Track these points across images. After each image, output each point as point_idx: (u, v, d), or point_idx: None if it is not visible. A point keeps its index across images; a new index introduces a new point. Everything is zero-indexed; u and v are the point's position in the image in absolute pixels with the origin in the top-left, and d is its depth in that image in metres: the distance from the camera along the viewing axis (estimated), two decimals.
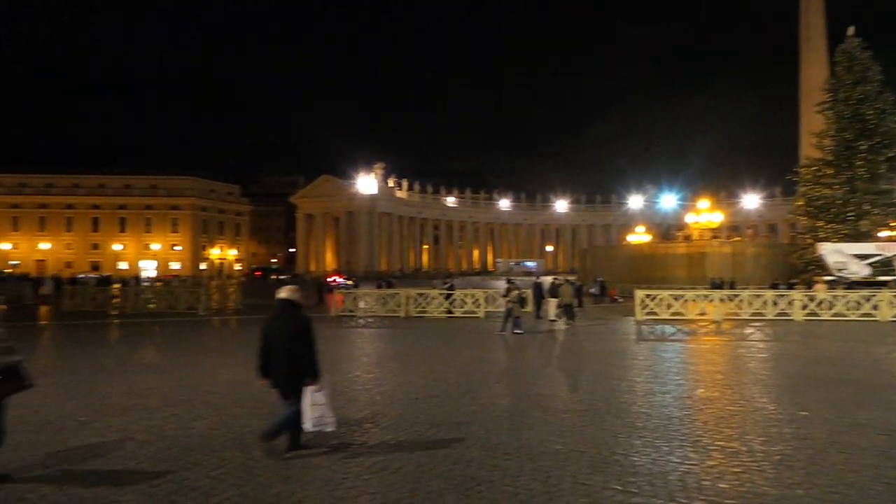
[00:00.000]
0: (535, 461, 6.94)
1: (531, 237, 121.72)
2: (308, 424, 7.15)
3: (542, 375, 13.18)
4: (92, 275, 67.38)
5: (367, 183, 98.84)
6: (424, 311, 27.51)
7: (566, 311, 23.18)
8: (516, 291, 20.73)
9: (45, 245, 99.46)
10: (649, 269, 43.96)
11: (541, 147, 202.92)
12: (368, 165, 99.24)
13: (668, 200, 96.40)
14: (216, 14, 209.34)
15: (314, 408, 7.08)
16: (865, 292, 25.75)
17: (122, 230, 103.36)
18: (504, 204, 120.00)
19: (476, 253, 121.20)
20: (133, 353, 16.96)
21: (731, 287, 30.36)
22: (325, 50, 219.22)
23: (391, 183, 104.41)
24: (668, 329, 21.81)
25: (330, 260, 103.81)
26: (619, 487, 6.08)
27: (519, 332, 19.79)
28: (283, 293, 7.55)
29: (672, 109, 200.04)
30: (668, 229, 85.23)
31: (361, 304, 29.21)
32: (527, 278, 42.77)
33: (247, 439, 7.82)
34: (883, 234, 38.62)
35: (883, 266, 32.42)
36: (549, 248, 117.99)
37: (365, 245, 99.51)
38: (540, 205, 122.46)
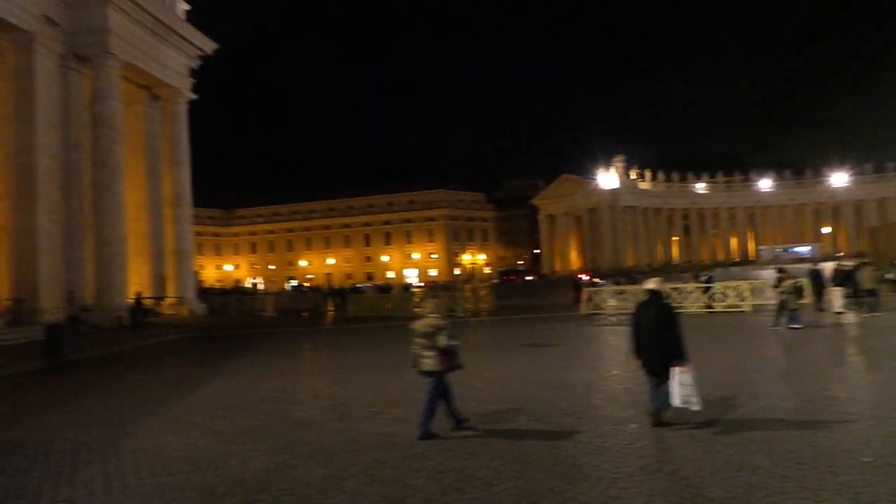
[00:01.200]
0: (839, 474, 6.08)
1: (800, 219, 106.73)
2: (676, 401, 7.82)
3: (832, 376, 11.51)
4: (367, 284, 76.90)
5: (607, 178, 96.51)
6: (680, 307, 25.85)
7: (868, 297, 19.87)
8: (790, 281, 18.40)
9: (330, 260, 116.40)
10: None
11: (809, 113, 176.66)
12: (608, 160, 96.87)
13: None
14: (456, 29, 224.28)
15: (682, 387, 7.79)
16: None
17: (388, 243, 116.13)
18: (764, 184, 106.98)
19: (734, 241, 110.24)
20: (407, 352, 18.89)
21: None
22: (555, 51, 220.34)
23: (633, 175, 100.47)
24: None
25: (574, 259, 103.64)
26: None
27: (797, 326, 17.53)
28: (650, 284, 8.76)
29: None
30: None
31: (612, 302, 28.59)
32: (798, 266, 37.70)
33: (517, 434, 8.19)
34: None
35: None
36: (826, 230, 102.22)
37: (609, 241, 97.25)
38: (810, 181, 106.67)
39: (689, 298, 26.02)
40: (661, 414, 8.09)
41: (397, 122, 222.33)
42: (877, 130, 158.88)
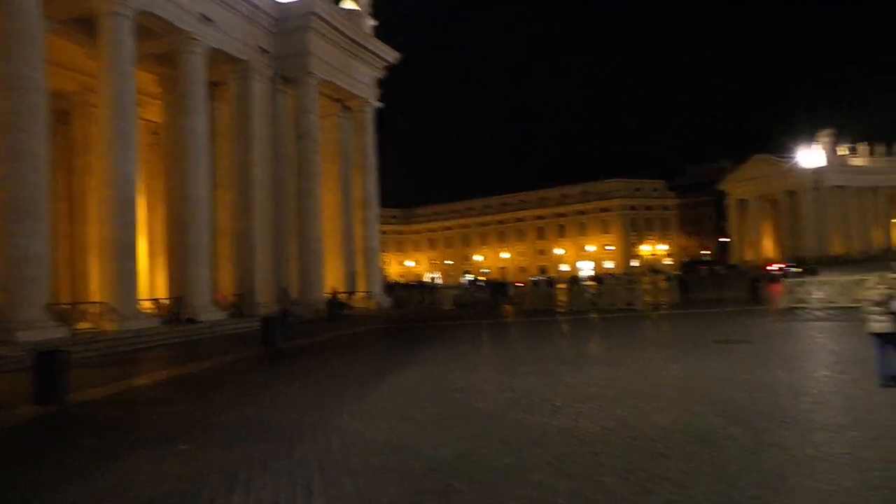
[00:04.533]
0: None
1: None
2: None
3: None
4: (542, 277, 76.78)
5: (810, 155, 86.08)
6: None
7: None
8: None
9: (504, 254, 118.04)
10: None
11: None
12: (810, 135, 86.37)
13: None
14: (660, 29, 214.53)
15: None
16: None
17: (562, 235, 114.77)
18: None
19: None
20: (585, 346, 18.66)
21: None
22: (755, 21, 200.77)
23: (843, 150, 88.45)
24: None
25: (768, 247, 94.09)
26: None
27: None
28: None
29: None
30: None
31: (818, 294, 25.58)
32: None
33: (711, 436, 7.75)
34: None
35: None
36: None
37: (812, 227, 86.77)
38: None
39: None
40: None
41: (575, 116, 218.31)
42: None
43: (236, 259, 33.35)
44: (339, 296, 36.41)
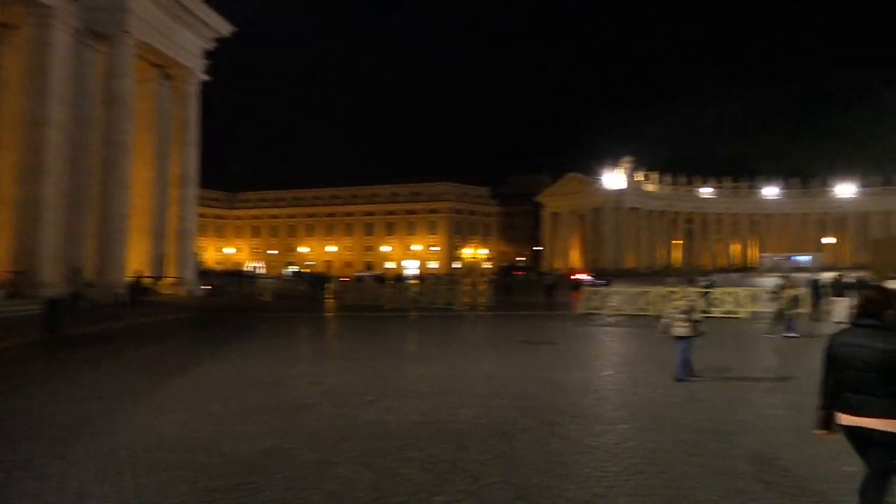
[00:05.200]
0: (825, 481, 6.18)
1: (804, 228, 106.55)
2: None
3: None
4: (367, 273, 77.05)
5: (614, 178, 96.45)
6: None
7: None
8: (792, 290, 18.45)
9: (331, 248, 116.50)
10: None
11: (819, 121, 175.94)
12: (615, 161, 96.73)
13: None
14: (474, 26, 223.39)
15: None
16: None
17: (390, 233, 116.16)
18: (770, 192, 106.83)
19: (736, 247, 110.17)
20: (403, 342, 19.04)
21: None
22: (571, 50, 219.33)
23: (639, 177, 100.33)
24: None
25: (575, 258, 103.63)
26: None
27: (792, 335, 17.60)
28: (892, 284, 11.24)
29: None
30: None
31: (610, 303, 28.65)
32: (798, 275, 37.74)
33: (509, 429, 8.29)
34: None
35: None
36: (829, 241, 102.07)
37: (611, 242, 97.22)
38: (816, 190, 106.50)
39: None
40: None
41: (407, 115, 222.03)
42: (885, 143, 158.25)
43: (18, 230, 29.03)
44: (144, 280, 33.31)
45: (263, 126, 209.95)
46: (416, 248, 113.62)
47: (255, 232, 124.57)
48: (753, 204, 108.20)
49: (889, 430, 4.22)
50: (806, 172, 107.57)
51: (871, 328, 4.42)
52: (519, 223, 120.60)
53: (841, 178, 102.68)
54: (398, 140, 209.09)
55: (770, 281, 23.56)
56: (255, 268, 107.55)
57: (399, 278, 58.00)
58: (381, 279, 50.45)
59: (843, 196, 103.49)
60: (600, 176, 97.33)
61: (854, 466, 6.59)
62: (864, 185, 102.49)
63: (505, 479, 6.33)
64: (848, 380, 4.40)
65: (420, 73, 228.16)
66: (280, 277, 66.58)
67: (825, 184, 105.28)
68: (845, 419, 4.45)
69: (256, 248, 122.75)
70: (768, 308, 20.52)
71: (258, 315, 28.64)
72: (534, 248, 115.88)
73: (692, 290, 14.70)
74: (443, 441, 7.73)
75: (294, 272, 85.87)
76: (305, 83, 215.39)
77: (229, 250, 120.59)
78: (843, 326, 14.91)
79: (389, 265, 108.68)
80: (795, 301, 18.91)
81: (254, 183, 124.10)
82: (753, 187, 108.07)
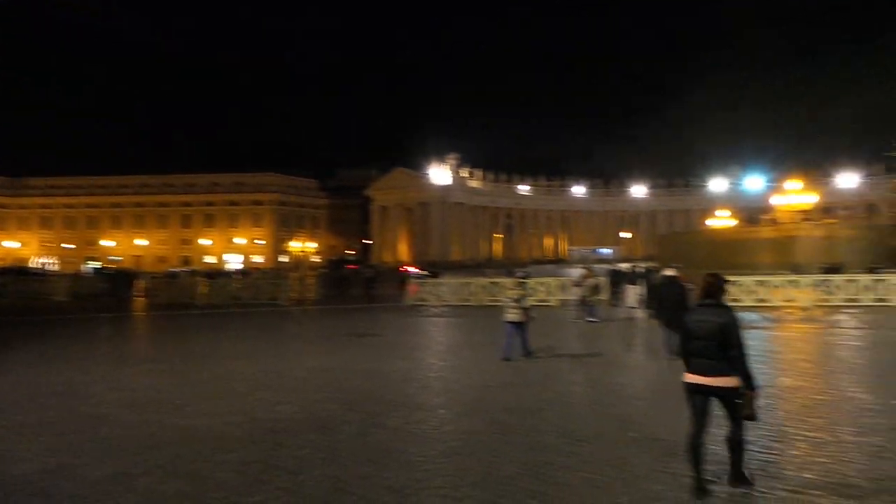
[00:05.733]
0: (611, 448, 6.92)
1: (607, 224, 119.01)
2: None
3: (618, 364, 13.00)
4: (184, 269, 71.61)
5: (440, 174, 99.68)
6: (497, 300, 27.55)
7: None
8: (592, 279, 20.43)
9: (141, 241, 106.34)
10: (733, 255, 41.99)
11: (619, 129, 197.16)
12: (441, 157, 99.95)
13: (754, 182, 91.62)
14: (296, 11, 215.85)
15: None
16: None
17: (210, 225, 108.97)
18: (578, 190, 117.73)
19: (549, 241, 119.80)
20: (221, 341, 17.98)
21: (835, 272, 28.46)
22: (396, 43, 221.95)
23: (465, 173, 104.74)
24: (752, 316, 20.86)
25: (404, 250, 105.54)
26: (689, 474, 5.97)
27: (593, 320, 19.54)
28: (669, 271, 13.31)
29: (760, 86, 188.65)
30: (753, 212, 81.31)
31: (437, 294, 29.59)
32: (601, 266, 41.98)
33: (329, 422, 8.20)
34: None
35: None
36: (626, 235, 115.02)
37: (437, 235, 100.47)
38: (616, 190, 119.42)
39: (505, 292, 27.75)
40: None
41: (231, 104, 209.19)
42: (669, 151, 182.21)
43: None
44: None
45: (57, 103, 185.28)
46: (240, 241, 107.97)
47: (46, 223, 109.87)
48: (564, 201, 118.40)
49: (726, 385, 5.35)
50: (608, 174, 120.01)
51: (711, 306, 5.53)
52: (348, 216, 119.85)
53: (635, 180, 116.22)
54: (218, 128, 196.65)
55: (575, 271, 25.93)
56: (44, 264, 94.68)
57: (219, 273, 54.73)
58: (200, 274, 47.18)
59: (637, 196, 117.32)
60: (427, 171, 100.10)
61: (636, 433, 7.52)
62: (653, 187, 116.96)
63: (324, 472, 6.26)
64: (696, 348, 5.46)
65: (247, 62, 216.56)
66: (78, 274, 59.28)
67: (623, 185, 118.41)
68: (692, 379, 5.51)
69: (48, 242, 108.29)
70: (573, 296, 22.53)
71: (50, 318, 25.30)
72: (363, 242, 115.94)
73: (522, 281, 15.81)
74: (260, 441, 7.43)
75: (95, 268, 76.99)
76: (105, 58, 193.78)
77: (12, 244, 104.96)
78: (635, 311, 16.93)
79: (210, 260, 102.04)
80: (596, 289, 21.02)
81: (45, 167, 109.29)
82: (564, 186, 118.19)
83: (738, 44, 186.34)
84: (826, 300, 23.83)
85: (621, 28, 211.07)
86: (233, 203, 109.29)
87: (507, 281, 17.97)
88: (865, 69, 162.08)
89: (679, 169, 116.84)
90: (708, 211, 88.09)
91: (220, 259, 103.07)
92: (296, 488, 5.84)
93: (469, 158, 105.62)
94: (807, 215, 49.71)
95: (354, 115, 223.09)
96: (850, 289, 24.32)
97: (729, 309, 5.54)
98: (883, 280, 24.51)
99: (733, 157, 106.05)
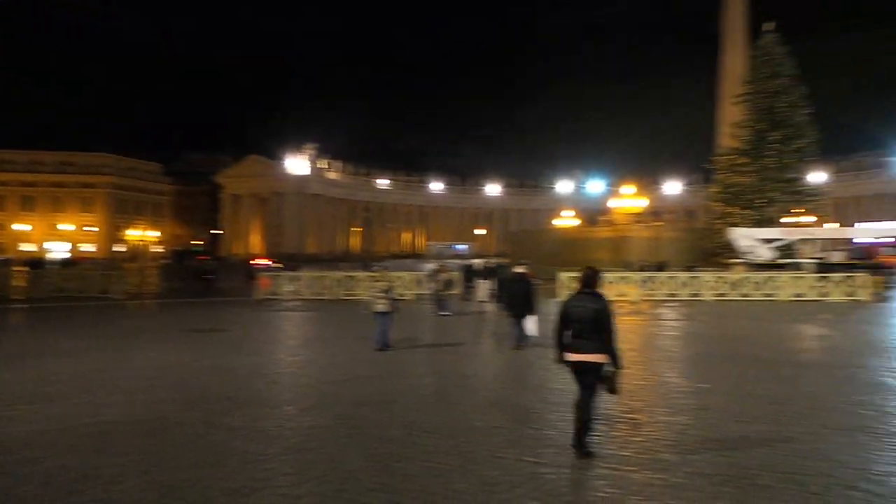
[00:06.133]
0: (454, 437, 7.11)
1: (463, 220, 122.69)
2: (532, 332, 13.37)
3: (468, 355, 13.43)
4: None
5: (297, 163, 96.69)
6: (353, 294, 27.33)
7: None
8: (445, 274, 20.92)
9: None
10: (575, 253, 45.12)
11: (475, 130, 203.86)
12: (299, 146, 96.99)
13: (596, 186, 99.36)
14: None
15: (530, 327, 13.48)
16: (768, 274, 27.56)
17: (29, 209, 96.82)
18: (436, 187, 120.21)
19: (407, 235, 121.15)
20: (41, 339, 16.06)
21: (660, 269, 31.59)
22: (260, 25, 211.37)
23: (323, 164, 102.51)
24: None
25: (256, 242, 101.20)
26: (531, 459, 6.34)
27: (445, 313, 20.03)
28: (518, 268, 14.60)
29: (603, 95, 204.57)
30: (593, 214, 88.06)
31: (289, 287, 28.68)
32: (456, 261, 43.23)
33: (162, 424, 7.62)
34: (786, 219, 41.27)
35: (786, 250, 34.75)
36: (481, 232, 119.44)
37: (293, 227, 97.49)
38: (472, 188, 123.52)
39: (360, 286, 27.59)
40: (521, 343, 13.30)
41: (57, 75, 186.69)
42: (521, 152, 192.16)
43: None
44: None
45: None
46: (67, 227, 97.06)
47: None
48: (422, 196, 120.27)
49: (597, 361, 6.26)
50: (465, 172, 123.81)
51: (588, 294, 6.44)
52: (195, 204, 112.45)
53: (491, 179, 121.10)
54: (45, 99, 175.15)
55: (429, 266, 26.41)
56: None
57: (39, 262, 48.87)
58: (17, 263, 41.77)
59: (491, 195, 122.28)
60: (283, 160, 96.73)
61: (480, 422, 7.82)
62: (507, 187, 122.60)
63: (150, 478, 5.80)
64: (574, 330, 6.33)
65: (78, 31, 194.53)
66: None
67: (479, 183, 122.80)
68: (572, 356, 6.35)
69: None
70: (427, 290, 22.94)
71: None
72: (212, 232, 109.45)
73: (387, 273, 16.07)
74: (77, 448, 6.73)
75: None
76: None
77: None
78: (485, 304, 17.57)
79: (28, 247, 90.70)
80: (448, 283, 21.57)
81: None
82: (424, 182, 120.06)
83: (580, 55, 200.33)
84: (651, 295, 26.41)
85: (479, 30, 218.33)
86: (58, 184, 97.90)
87: (373, 274, 18.34)
88: (687, 89, 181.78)
89: (531, 171, 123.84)
90: (555, 211, 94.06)
91: (40, 247, 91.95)
92: (115, 498, 5.35)
93: (328, 149, 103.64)
94: (638, 218, 54.81)
95: (205, 97, 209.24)
96: (671, 284, 27.17)
97: (603, 297, 6.45)
98: (698, 277, 27.66)
99: (578, 161, 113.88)
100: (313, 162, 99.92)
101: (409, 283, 27.80)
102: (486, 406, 8.69)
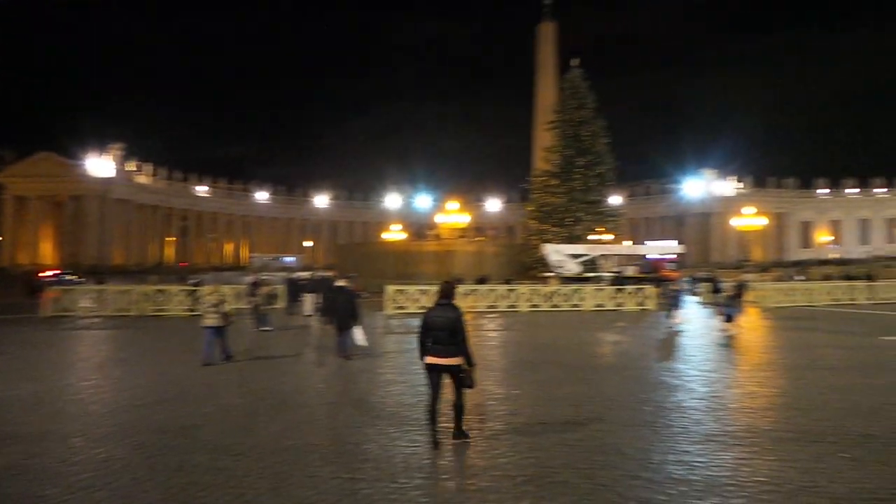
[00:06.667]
0: (266, 459, 6.79)
1: (290, 232, 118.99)
2: (362, 342, 13.95)
3: (287, 371, 12.94)
4: None
5: (100, 165, 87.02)
6: (163, 310, 25.14)
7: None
8: (266, 288, 20.06)
9: None
10: (403, 266, 46.03)
11: (304, 140, 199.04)
12: (103, 146, 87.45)
13: (424, 201, 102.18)
14: None
15: (359, 338, 13.94)
16: (575, 286, 30.29)
17: None
18: (261, 196, 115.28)
19: (230, 247, 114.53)
20: None
21: (483, 282, 33.04)
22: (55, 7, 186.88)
23: (132, 167, 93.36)
24: (415, 322, 23.00)
25: (48, 252, 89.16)
26: (347, 476, 6.24)
27: (267, 328, 19.19)
28: (341, 282, 14.77)
29: (433, 113, 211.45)
30: (421, 228, 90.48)
31: (84, 303, 25.61)
32: (281, 274, 41.80)
33: None
34: (592, 237, 45.81)
35: (590, 264, 38.50)
36: (308, 244, 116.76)
37: (94, 235, 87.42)
38: (300, 199, 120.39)
39: (172, 301, 25.49)
40: (346, 354, 13.64)
41: None
42: (354, 164, 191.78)
43: None
44: None
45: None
46: None
47: None
48: (246, 206, 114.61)
49: (453, 364, 7.11)
50: (292, 182, 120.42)
51: (446, 305, 7.29)
52: None
53: (319, 190, 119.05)
54: None
55: (248, 279, 25.17)
56: None
57: None
58: None
59: (320, 206, 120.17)
60: (83, 160, 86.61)
61: (295, 441, 7.54)
62: (335, 199, 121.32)
63: None
64: (433, 337, 7.13)
65: None
66: None
67: (307, 194, 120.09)
68: (431, 360, 7.16)
69: None
70: (248, 305, 21.83)
71: None
72: None
73: (193, 289, 14.99)
74: None
75: None
76: None
77: None
78: (311, 318, 17.17)
79: None
80: (270, 298, 20.71)
81: None
82: (247, 190, 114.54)
83: (413, 72, 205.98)
84: (474, 306, 27.65)
85: (314, 38, 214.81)
86: None
87: (189, 287, 17.03)
88: (512, 111, 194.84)
89: (360, 183, 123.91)
90: (384, 224, 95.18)
91: None
92: None
93: (138, 152, 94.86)
94: (462, 233, 57.35)
95: None
96: (491, 297, 28.69)
97: (458, 308, 7.30)
98: (515, 290, 29.52)
99: (407, 176, 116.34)
100: (120, 164, 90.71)
101: (228, 297, 26.20)
102: (302, 424, 8.42)
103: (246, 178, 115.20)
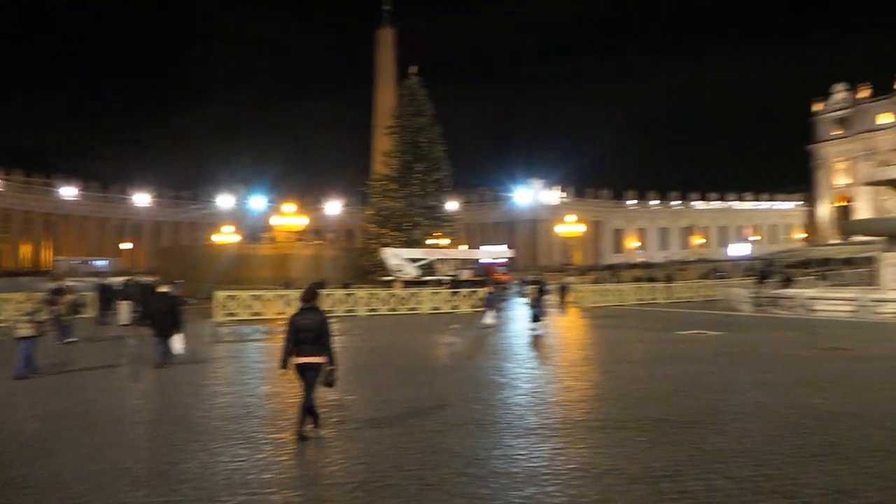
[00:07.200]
0: (66, 489, 6.04)
1: (104, 233, 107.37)
2: (180, 351, 13.31)
3: (97, 388, 11.64)
4: None
5: None
6: None
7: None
8: (71, 295, 17.92)
9: None
10: (235, 271, 43.63)
11: (122, 132, 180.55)
12: None
13: (258, 202, 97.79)
14: None
15: (177, 347, 13.31)
16: (413, 290, 30.84)
17: None
18: (69, 192, 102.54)
19: (28, 249, 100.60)
20: None
21: (320, 287, 32.02)
22: None
23: None
24: (247, 329, 21.94)
25: None
26: (161, 499, 5.75)
27: (71, 340, 17.13)
28: (163, 288, 15.07)
29: (268, 111, 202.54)
30: (255, 231, 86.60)
31: None
32: (93, 279, 37.68)
33: None
34: (429, 241, 46.94)
35: (428, 268, 39.43)
36: (127, 246, 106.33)
37: None
38: (116, 196, 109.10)
39: None
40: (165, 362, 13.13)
41: None
42: (180, 161, 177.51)
43: None
44: None
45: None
46: None
47: None
48: (49, 203, 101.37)
49: (317, 362, 7.64)
50: (107, 177, 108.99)
51: (311, 309, 7.85)
52: None
53: (139, 187, 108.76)
54: None
55: (47, 286, 22.29)
56: None
57: None
58: None
59: (140, 205, 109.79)
60: None
61: (103, 464, 6.79)
62: (158, 197, 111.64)
63: None
64: (301, 338, 7.61)
65: None
66: None
67: (125, 191, 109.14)
68: (299, 360, 7.64)
69: None
70: (48, 315, 19.31)
71: None
72: None
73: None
74: None
75: None
76: None
77: None
78: (126, 326, 15.76)
79: None
80: (75, 306, 18.51)
81: None
82: (50, 185, 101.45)
83: (249, 68, 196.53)
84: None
85: (141, 26, 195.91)
86: None
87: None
88: (352, 113, 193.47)
89: (188, 182, 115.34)
90: (215, 226, 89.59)
91: None
92: None
93: None
94: (300, 236, 55.77)
95: None
96: (329, 301, 28.21)
97: (322, 311, 7.99)
98: (353, 294, 29.31)
99: (240, 175, 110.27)
100: None
101: (24, 306, 23.01)
102: (111, 445, 7.62)
103: (48, 170, 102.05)
